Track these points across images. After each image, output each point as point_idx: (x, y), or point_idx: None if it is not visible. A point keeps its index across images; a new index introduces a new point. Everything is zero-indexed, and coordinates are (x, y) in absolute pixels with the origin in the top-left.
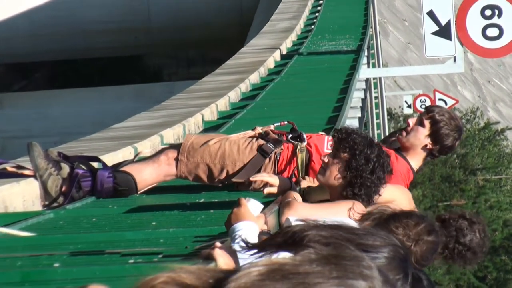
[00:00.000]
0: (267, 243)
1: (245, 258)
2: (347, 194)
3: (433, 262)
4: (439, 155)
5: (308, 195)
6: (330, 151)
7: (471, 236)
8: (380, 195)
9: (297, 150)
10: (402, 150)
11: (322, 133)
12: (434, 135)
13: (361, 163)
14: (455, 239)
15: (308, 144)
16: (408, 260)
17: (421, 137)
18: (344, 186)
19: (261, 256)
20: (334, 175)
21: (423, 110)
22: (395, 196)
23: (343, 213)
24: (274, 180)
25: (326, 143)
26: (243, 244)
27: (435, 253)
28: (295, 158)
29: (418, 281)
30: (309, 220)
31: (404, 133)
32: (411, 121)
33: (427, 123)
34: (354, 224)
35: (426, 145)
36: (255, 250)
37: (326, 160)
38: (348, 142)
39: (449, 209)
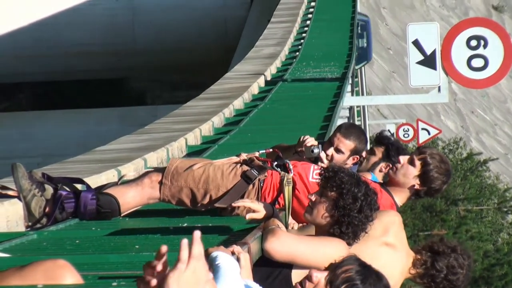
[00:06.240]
0: None
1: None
2: (334, 232)
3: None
4: (424, 196)
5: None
6: (316, 183)
7: (460, 275)
8: (366, 233)
9: (284, 182)
10: (389, 184)
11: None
12: (423, 176)
13: (349, 202)
14: (444, 275)
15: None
16: None
17: (410, 176)
18: (332, 224)
19: None
20: (322, 214)
21: (405, 139)
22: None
23: (327, 248)
24: (257, 206)
25: (312, 172)
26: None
27: None
28: (279, 187)
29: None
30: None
31: (394, 169)
32: (402, 159)
33: (418, 163)
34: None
35: (413, 185)
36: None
37: (313, 198)
38: (335, 181)
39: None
